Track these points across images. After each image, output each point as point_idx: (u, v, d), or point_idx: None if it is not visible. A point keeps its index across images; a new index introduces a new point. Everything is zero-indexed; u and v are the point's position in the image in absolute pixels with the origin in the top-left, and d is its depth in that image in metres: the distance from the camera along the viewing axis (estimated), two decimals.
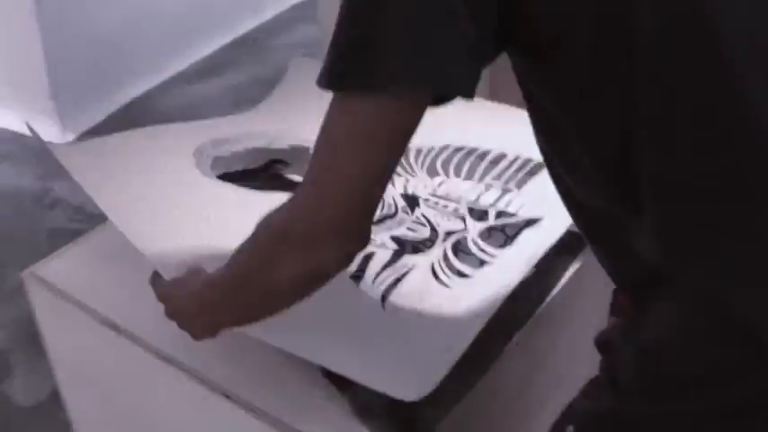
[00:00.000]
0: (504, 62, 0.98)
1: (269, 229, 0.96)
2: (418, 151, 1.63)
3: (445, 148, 1.64)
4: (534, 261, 1.31)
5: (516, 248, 1.35)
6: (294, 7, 4.95)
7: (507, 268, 1.30)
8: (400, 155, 0.91)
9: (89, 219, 3.15)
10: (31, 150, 3.62)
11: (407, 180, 1.54)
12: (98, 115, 3.83)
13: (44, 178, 3.44)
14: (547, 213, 1.43)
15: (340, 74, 0.88)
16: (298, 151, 1.63)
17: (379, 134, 0.88)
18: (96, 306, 1.35)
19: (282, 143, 1.65)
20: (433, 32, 0.84)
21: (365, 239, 0.94)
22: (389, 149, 0.90)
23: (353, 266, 1.29)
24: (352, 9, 0.88)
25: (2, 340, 2.65)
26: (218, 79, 4.21)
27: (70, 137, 3.70)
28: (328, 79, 0.88)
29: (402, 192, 1.51)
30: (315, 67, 1.87)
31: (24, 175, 3.49)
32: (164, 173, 1.52)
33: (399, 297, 1.24)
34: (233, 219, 1.39)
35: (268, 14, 4.80)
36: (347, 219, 0.91)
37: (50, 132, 3.66)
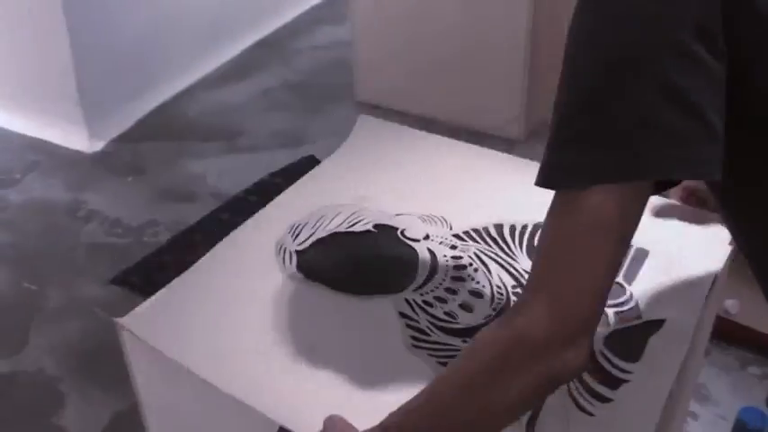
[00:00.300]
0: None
1: (495, 344, 0.94)
2: (512, 228, 1.58)
3: (540, 224, 1.59)
4: (672, 380, 1.27)
5: (648, 363, 1.31)
6: (314, 8, 4.92)
7: (647, 391, 1.26)
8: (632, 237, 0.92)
9: (128, 232, 3.14)
10: (60, 159, 3.59)
11: (512, 266, 1.51)
12: (126, 122, 3.79)
13: (75, 189, 3.41)
14: (667, 312, 1.40)
15: (578, 168, 0.88)
16: (383, 229, 1.61)
17: (622, 223, 0.89)
18: (192, 361, 1.31)
19: (364, 222, 1.63)
20: (676, 119, 0.85)
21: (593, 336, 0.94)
22: (629, 236, 0.91)
23: None
24: (583, 98, 0.89)
25: (50, 367, 2.59)
26: (245, 83, 4.16)
27: (98, 144, 3.66)
28: (561, 176, 0.89)
29: (513, 284, 1.47)
30: (382, 127, 1.89)
31: (54, 186, 3.43)
32: (250, 301, 1.46)
33: (545, 430, 1.20)
34: (337, 338, 1.38)
35: (289, 16, 4.76)
36: (590, 317, 0.92)
37: (78, 140, 3.64)
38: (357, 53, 3.92)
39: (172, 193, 3.39)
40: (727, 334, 2.50)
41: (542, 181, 0.92)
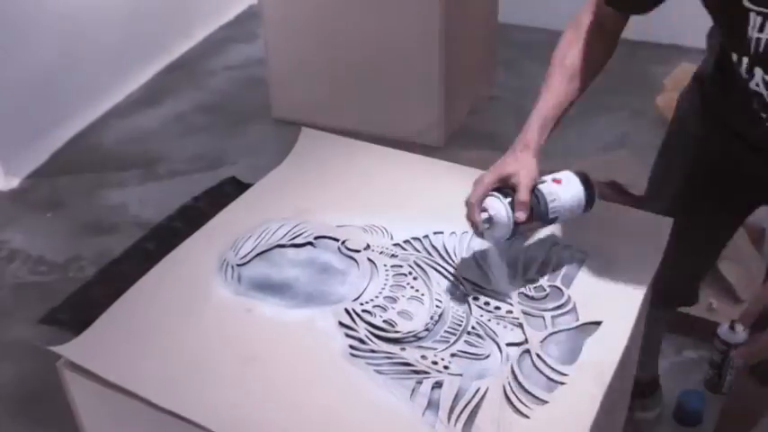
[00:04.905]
0: None
1: None
2: (452, 235, 1.60)
3: None
4: (607, 382, 1.29)
5: (584, 365, 1.32)
6: (223, 28, 4.91)
7: (581, 393, 1.27)
8: None
9: (53, 269, 3.08)
10: None
11: (452, 274, 1.51)
12: (41, 156, 3.73)
13: None
14: (604, 314, 1.41)
15: None
16: (324, 241, 1.62)
17: None
18: (136, 385, 1.30)
19: (306, 234, 1.63)
20: None
21: None
22: None
23: (423, 399, 1.26)
24: None
25: None
26: (159, 108, 4.12)
27: (14, 181, 3.59)
28: None
29: (450, 290, 1.48)
30: (324, 140, 1.90)
31: None
32: (192, 319, 1.46)
33: None
34: (278, 350, 1.38)
35: (198, 36, 4.73)
36: None
37: None
38: (271, 70, 3.91)
39: (94, 226, 3.34)
40: None
41: None
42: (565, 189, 1.45)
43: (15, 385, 2.60)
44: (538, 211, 1.43)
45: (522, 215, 1.40)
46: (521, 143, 1.49)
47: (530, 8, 4.52)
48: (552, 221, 1.47)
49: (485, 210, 1.41)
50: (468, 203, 1.43)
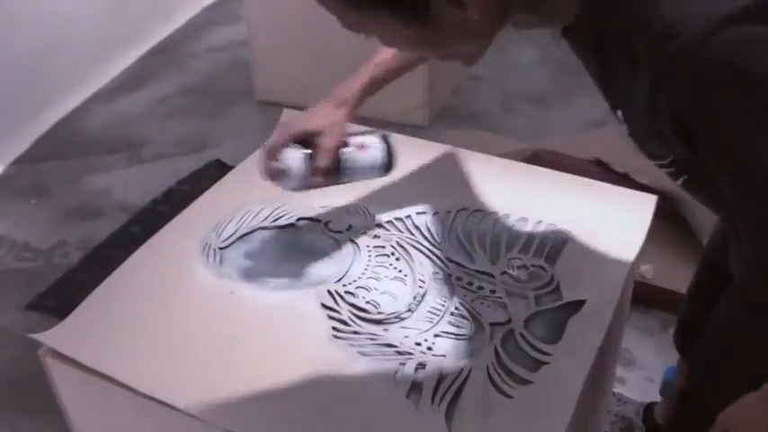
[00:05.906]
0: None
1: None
2: (435, 215, 1.60)
3: (462, 210, 1.61)
4: (591, 361, 1.28)
5: (568, 344, 1.32)
6: (206, 10, 4.88)
7: (565, 372, 1.27)
8: None
9: (38, 255, 3.07)
10: None
11: (434, 254, 1.51)
12: (24, 143, 3.71)
13: None
14: (587, 293, 1.41)
15: None
16: (306, 223, 1.62)
17: None
18: (118, 375, 1.29)
19: (288, 216, 1.62)
20: None
21: None
22: None
23: (407, 380, 1.26)
24: None
25: None
26: (142, 92, 4.10)
27: None
28: None
29: (433, 270, 1.48)
30: None
31: None
32: (174, 303, 1.45)
33: (463, 414, 1.21)
34: (261, 332, 1.38)
35: (181, 19, 4.70)
36: None
37: None
38: (254, 52, 3.89)
39: (78, 211, 3.32)
40: (646, 298, 2.55)
41: None
42: (366, 156, 1.46)
43: (3, 372, 2.59)
44: (333, 172, 1.44)
45: (318, 180, 1.42)
46: (338, 97, 1.48)
47: None
48: (343, 182, 1.49)
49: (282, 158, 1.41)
50: (264, 147, 1.42)
